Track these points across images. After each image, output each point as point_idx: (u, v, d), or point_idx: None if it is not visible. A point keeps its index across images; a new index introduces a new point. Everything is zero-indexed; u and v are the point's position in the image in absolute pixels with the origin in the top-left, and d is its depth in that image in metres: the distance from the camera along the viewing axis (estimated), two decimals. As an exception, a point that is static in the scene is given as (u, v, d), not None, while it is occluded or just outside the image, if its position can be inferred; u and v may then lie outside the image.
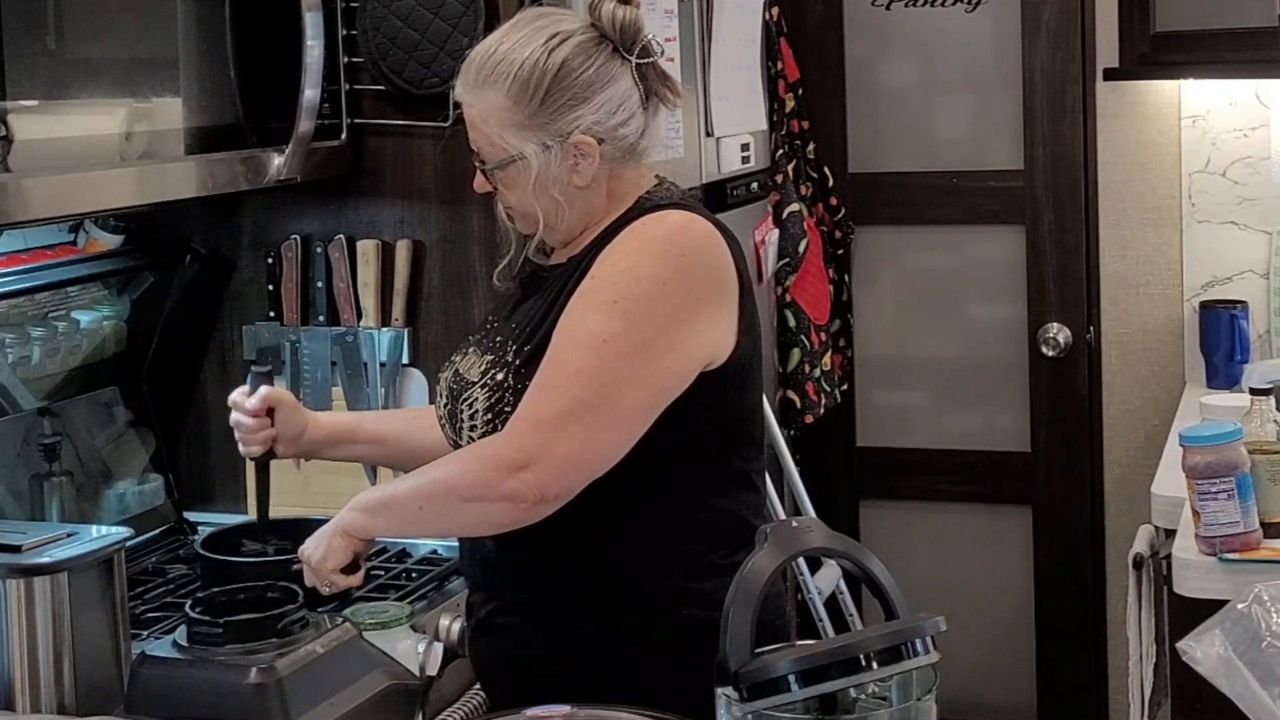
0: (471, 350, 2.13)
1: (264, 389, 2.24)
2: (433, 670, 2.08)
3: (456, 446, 2.09)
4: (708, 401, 2.01)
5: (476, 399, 2.05)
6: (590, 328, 1.96)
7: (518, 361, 2.03)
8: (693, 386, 2.00)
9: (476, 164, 2.09)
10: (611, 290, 1.97)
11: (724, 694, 1.47)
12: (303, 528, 2.19)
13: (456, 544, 2.50)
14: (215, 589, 2.05)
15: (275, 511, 2.67)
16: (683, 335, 1.98)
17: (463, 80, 2.07)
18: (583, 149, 2.03)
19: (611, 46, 2.05)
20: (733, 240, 2.08)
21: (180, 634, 1.96)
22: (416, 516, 2.02)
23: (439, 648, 2.12)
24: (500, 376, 2.04)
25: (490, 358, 2.07)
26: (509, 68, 2.02)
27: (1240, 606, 1.64)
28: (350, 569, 2.07)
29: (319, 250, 2.78)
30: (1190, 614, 2.35)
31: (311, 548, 2.07)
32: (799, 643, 1.58)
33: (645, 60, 2.07)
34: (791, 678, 1.44)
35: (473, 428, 2.05)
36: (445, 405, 2.12)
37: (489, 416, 2.03)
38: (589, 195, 2.07)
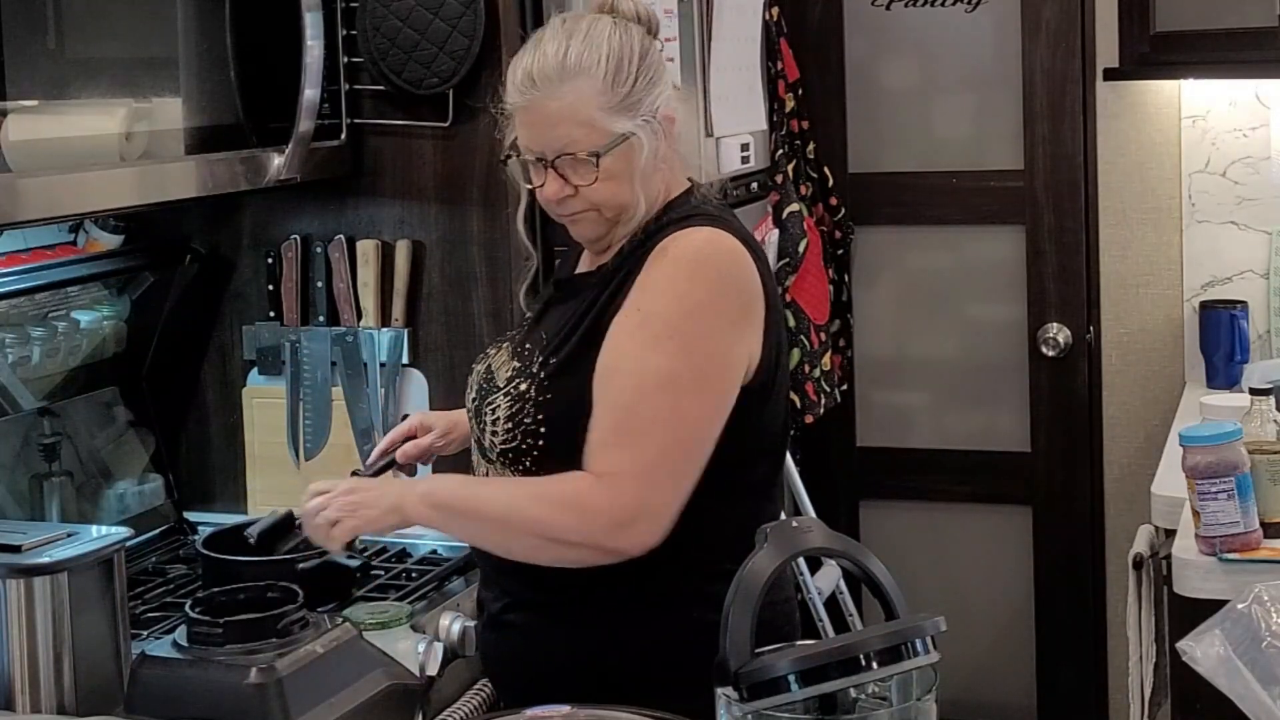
0: (505, 347, 2.14)
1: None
2: (433, 670, 2.08)
3: (479, 443, 2.10)
4: (733, 416, 2.02)
5: (499, 406, 2.06)
6: (653, 368, 1.96)
7: (542, 374, 2.04)
8: None
9: (562, 162, 2.02)
10: (662, 324, 1.98)
11: (724, 694, 1.47)
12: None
13: (458, 543, 2.50)
14: (215, 589, 2.06)
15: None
16: (731, 356, 2.00)
17: (542, 84, 2.02)
18: (669, 122, 2.06)
19: (645, 30, 2.09)
20: (757, 253, 2.08)
21: (180, 634, 1.96)
22: (488, 536, 2.04)
23: (439, 648, 2.12)
24: (524, 387, 2.04)
25: (517, 364, 2.08)
26: (597, 53, 2.02)
27: (1240, 606, 1.64)
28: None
29: (319, 250, 2.78)
30: (1190, 614, 2.35)
31: (343, 499, 2.05)
32: (799, 643, 1.58)
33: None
34: (791, 678, 1.44)
35: (494, 433, 2.06)
36: (473, 400, 2.14)
37: (509, 425, 2.04)
38: (654, 181, 2.07)
